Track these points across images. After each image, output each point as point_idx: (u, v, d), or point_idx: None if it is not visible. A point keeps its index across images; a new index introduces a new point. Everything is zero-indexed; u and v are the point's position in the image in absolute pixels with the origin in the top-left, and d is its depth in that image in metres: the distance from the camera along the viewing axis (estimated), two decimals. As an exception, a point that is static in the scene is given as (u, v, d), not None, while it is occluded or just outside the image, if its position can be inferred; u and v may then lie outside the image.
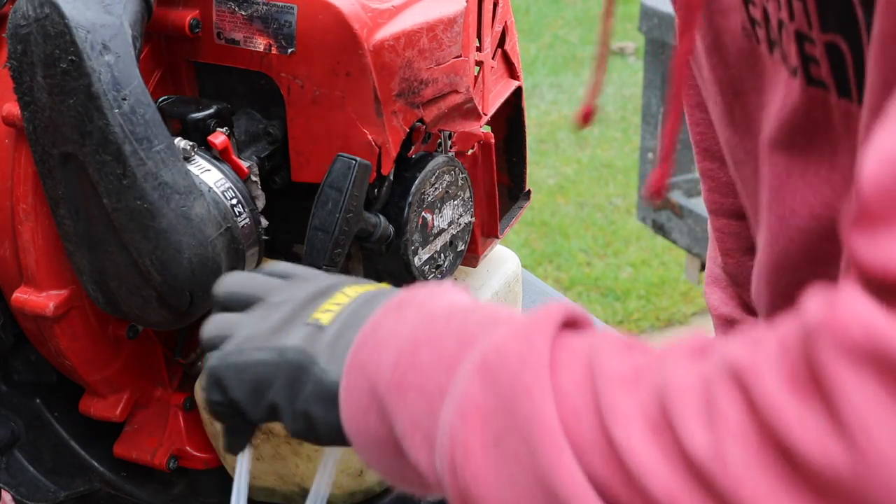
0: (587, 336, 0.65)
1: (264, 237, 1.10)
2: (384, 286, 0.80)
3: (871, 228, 0.51)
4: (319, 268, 1.06)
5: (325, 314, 0.76)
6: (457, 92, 1.19)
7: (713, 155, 1.11)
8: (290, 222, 1.16)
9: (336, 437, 0.73)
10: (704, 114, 1.10)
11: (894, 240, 0.51)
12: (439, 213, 1.21)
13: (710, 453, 0.54)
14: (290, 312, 0.78)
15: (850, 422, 0.49)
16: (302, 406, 0.74)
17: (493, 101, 1.32)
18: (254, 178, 1.11)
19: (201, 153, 1.08)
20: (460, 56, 1.18)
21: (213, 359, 0.79)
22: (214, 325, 0.81)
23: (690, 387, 0.56)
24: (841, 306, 0.51)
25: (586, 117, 0.93)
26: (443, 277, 1.24)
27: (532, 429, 0.59)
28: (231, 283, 0.85)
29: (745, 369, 0.54)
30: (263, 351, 0.76)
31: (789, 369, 0.53)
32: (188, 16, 1.11)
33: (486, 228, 1.35)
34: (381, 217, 1.14)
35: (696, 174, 1.33)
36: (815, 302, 0.54)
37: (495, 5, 1.30)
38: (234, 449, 0.83)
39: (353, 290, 0.78)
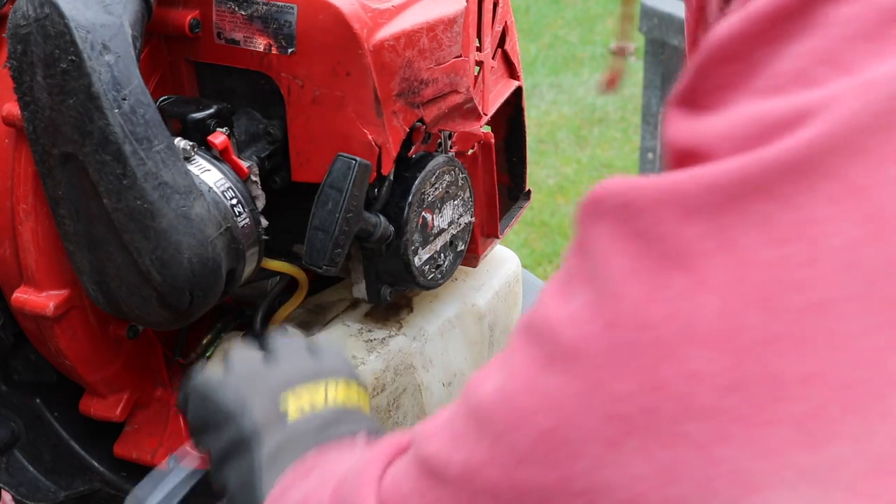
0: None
1: (264, 237, 1.10)
2: (359, 406, 0.84)
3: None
4: (319, 268, 1.06)
5: (294, 407, 0.81)
6: (457, 92, 1.19)
7: None
8: (290, 222, 1.16)
9: None
10: None
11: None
12: (439, 213, 1.21)
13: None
14: (277, 379, 0.83)
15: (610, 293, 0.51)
16: (227, 474, 0.81)
17: (493, 101, 1.32)
18: (254, 178, 1.11)
19: (201, 153, 1.08)
20: (460, 56, 1.18)
21: (203, 373, 0.86)
22: (236, 351, 0.89)
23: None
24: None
25: (612, 82, 0.95)
26: (443, 277, 1.24)
27: None
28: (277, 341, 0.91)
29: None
30: (233, 400, 0.83)
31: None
32: (188, 16, 1.11)
33: (486, 228, 1.35)
34: (381, 217, 1.14)
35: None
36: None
37: (495, 5, 1.30)
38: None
39: (332, 395, 0.83)
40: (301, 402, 0.82)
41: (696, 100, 0.53)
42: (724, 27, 0.52)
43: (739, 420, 0.48)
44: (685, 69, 0.54)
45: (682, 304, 0.48)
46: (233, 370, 0.86)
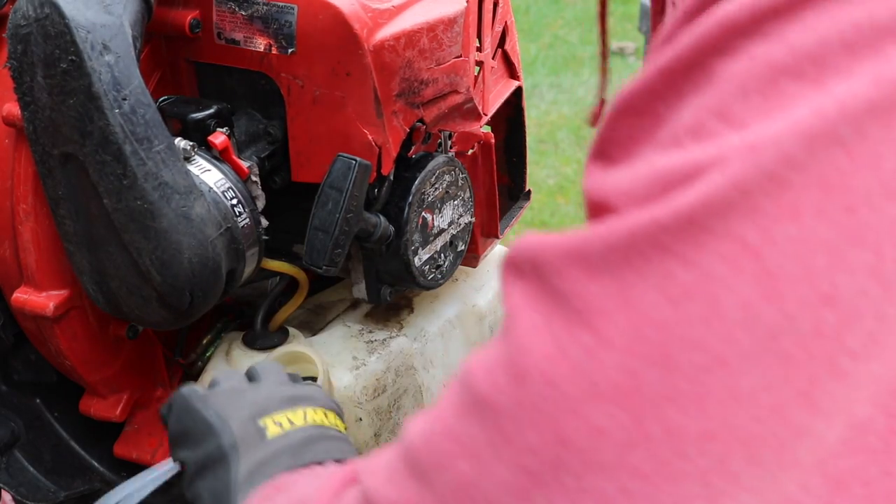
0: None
1: (264, 237, 1.10)
2: (334, 427, 0.86)
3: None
4: (319, 268, 1.06)
5: (274, 426, 0.83)
6: (457, 92, 1.19)
7: None
8: (290, 222, 1.16)
9: None
10: None
11: None
12: (439, 213, 1.21)
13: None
14: (259, 399, 0.85)
15: (517, 353, 0.52)
16: (201, 487, 0.82)
17: (493, 101, 1.32)
18: (254, 178, 1.11)
19: (201, 153, 1.08)
20: (460, 56, 1.18)
21: (188, 386, 0.87)
22: (222, 373, 0.92)
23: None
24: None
25: (595, 118, 0.96)
26: (443, 277, 1.24)
27: None
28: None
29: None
30: (214, 414, 0.84)
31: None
32: (188, 16, 1.11)
33: (486, 228, 1.35)
34: (381, 217, 1.14)
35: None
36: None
37: (495, 5, 1.30)
38: None
39: (311, 416, 0.85)
40: (280, 419, 0.84)
41: (606, 151, 0.55)
42: (633, 81, 0.53)
43: (641, 476, 0.49)
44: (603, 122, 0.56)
45: (586, 361, 0.49)
46: (217, 388, 0.88)
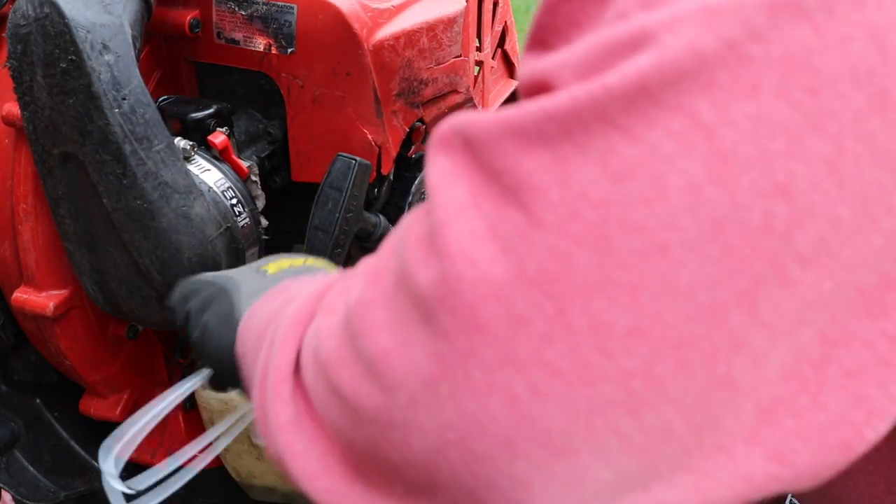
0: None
1: (264, 237, 1.10)
2: (328, 268, 0.85)
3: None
4: (319, 267, 1.06)
5: (272, 266, 0.84)
6: (457, 92, 1.19)
7: None
8: (290, 222, 1.16)
9: (221, 356, 0.79)
10: None
11: None
12: (439, 212, 1.21)
13: (357, 307, 0.52)
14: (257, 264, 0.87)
15: (439, 232, 0.47)
16: (206, 317, 0.82)
17: (493, 100, 1.32)
18: (254, 178, 1.11)
19: (201, 153, 1.08)
20: (460, 56, 1.18)
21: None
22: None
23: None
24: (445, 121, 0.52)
25: None
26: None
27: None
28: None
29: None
30: (217, 275, 0.87)
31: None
32: (188, 16, 1.11)
33: (486, 228, 1.35)
34: (381, 217, 1.14)
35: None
36: None
37: (495, 5, 1.30)
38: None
39: (312, 261, 0.85)
40: (281, 263, 0.85)
41: (544, 39, 0.50)
42: None
43: (557, 374, 0.43)
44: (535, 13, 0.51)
45: (513, 242, 0.44)
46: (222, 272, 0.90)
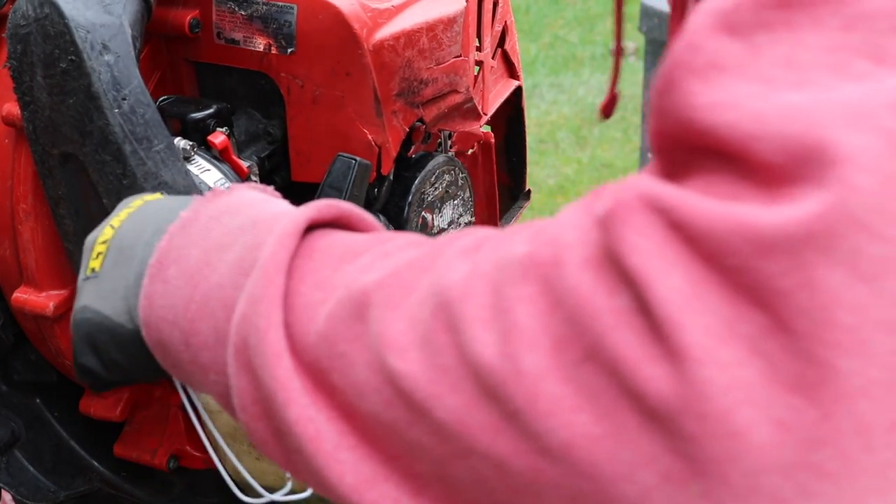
0: (335, 247, 0.60)
1: (264, 237, 1.10)
2: (150, 198, 0.76)
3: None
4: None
5: (96, 260, 0.74)
6: (457, 92, 1.19)
7: None
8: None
9: (148, 372, 0.72)
10: None
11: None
12: (439, 212, 1.21)
13: (500, 362, 0.48)
14: (81, 269, 0.76)
15: (667, 326, 0.45)
16: (110, 357, 0.73)
17: (493, 101, 1.32)
18: (254, 178, 1.11)
19: (201, 153, 1.08)
20: (460, 56, 1.18)
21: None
22: None
23: (470, 290, 0.50)
24: (629, 186, 0.48)
25: (607, 109, 0.91)
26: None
27: (292, 431, 0.56)
28: None
29: (541, 262, 0.49)
30: (72, 320, 0.75)
31: (593, 260, 0.48)
32: (188, 16, 1.11)
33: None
34: (382, 217, 1.14)
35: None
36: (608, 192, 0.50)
37: (495, 5, 1.30)
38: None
39: (118, 219, 0.74)
40: (98, 248, 0.74)
41: (713, 65, 0.48)
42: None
43: (826, 476, 0.44)
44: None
45: (761, 345, 0.44)
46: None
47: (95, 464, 1.24)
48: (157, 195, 0.77)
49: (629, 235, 0.46)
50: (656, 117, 0.49)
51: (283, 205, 0.69)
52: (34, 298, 1.10)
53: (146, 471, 1.24)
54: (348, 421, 0.54)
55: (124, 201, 0.77)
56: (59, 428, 1.23)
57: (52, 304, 1.09)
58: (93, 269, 0.73)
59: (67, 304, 1.11)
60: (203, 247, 0.66)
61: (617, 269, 0.46)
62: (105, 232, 0.74)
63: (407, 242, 0.59)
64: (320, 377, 0.55)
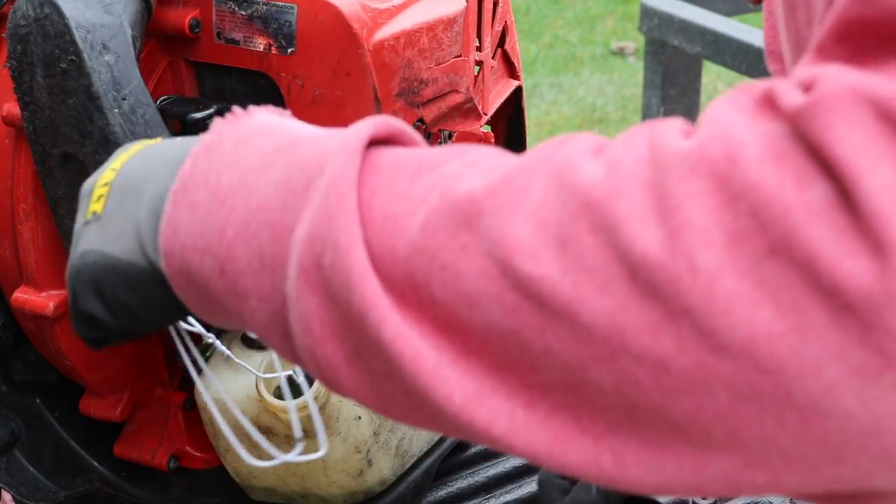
0: (412, 162, 0.57)
1: (264, 237, 1.10)
2: (150, 142, 0.72)
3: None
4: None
5: (97, 202, 0.69)
6: (457, 91, 1.19)
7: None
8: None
9: (161, 312, 0.69)
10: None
11: None
12: (439, 212, 1.21)
13: (670, 259, 0.46)
14: (79, 214, 0.72)
15: (873, 220, 0.44)
16: (118, 301, 0.69)
17: (493, 100, 1.32)
18: (254, 178, 1.11)
19: (201, 153, 1.08)
20: (460, 56, 1.18)
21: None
22: None
23: (620, 189, 0.48)
24: (829, 78, 0.46)
25: None
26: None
27: (387, 351, 0.53)
28: None
29: (711, 158, 0.47)
30: (70, 267, 0.73)
31: (773, 154, 0.46)
32: (188, 15, 1.11)
33: (486, 228, 1.35)
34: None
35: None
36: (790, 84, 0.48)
37: (495, 5, 1.30)
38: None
39: (118, 162, 0.70)
40: (98, 192, 0.70)
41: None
42: None
43: None
44: None
45: None
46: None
47: (95, 464, 1.24)
48: (157, 139, 0.73)
49: (837, 126, 0.45)
50: (855, 3, 0.47)
51: (312, 127, 0.66)
52: (34, 298, 1.10)
53: (146, 471, 1.24)
54: (445, 335, 0.52)
55: (121, 148, 0.72)
56: (59, 428, 1.23)
57: (52, 304, 1.09)
58: (94, 213, 0.69)
59: (67, 304, 1.11)
60: (236, 169, 0.62)
61: (813, 160, 0.45)
62: (105, 175, 0.69)
63: (491, 152, 0.56)
64: (411, 292, 0.53)
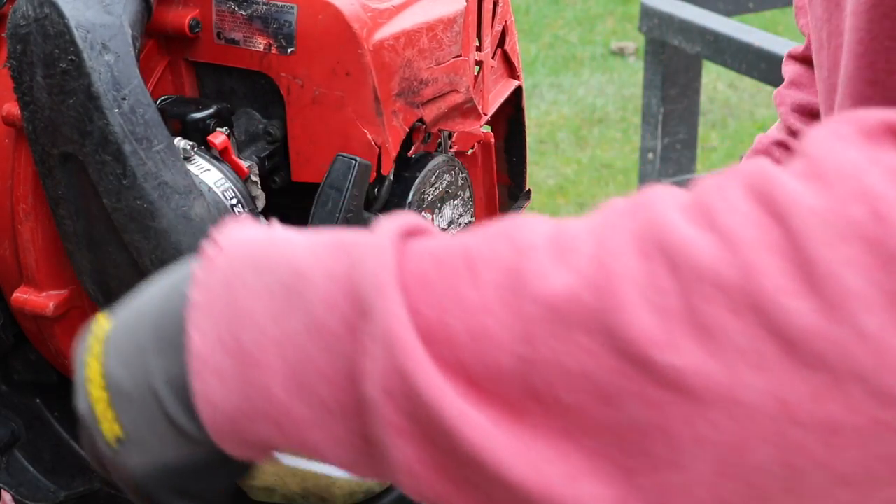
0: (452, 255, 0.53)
1: (264, 237, 1.10)
2: (104, 322, 0.69)
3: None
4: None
5: (110, 426, 0.68)
6: (457, 91, 1.19)
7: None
8: (290, 222, 1.16)
9: (236, 469, 0.68)
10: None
11: None
12: (439, 212, 1.21)
13: (832, 328, 0.46)
14: (96, 437, 0.70)
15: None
16: (199, 488, 0.69)
17: (493, 100, 1.32)
18: (254, 178, 1.11)
19: (201, 153, 1.08)
20: (460, 56, 1.18)
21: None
22: None
23: (756, 265, 0.48)
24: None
25: None
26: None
27: (501, 478, 0.51)
28: None
29: (856, 220, 0.47)
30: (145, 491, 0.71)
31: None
32: (188, 16, 1.11)
33: (486, 228, 1.35)
34: (382, 217, 1.14)
35: (696, 174, 1.33)
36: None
37: (495, 5, 1.30)
38: None
39: (94, 360, 0.67)
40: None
41: None
42: None
43: None
44: None
45: None
46: None
47: (95, 464, 1.24)
48: (104, 317, 0.68)
49: (861, 150, 0.46)
50: None
51: (298, 237, 0.62)
52: (34, 298, 1.10)
53: (146, 471, 1.24)
54: (570, 440, 0.50)
55: (76, 346, 0.69)
56: (59, 428, 1.23)
57: (52, 304, 1.09)
58: (117, 439, 0.67)
59: (67, 304, 1.11)
60: (248, 322, 0.58)
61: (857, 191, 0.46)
62: (92, 381, 0.67)
63: (529, 224, 0.53)
64: (533, 403, 0.50)
